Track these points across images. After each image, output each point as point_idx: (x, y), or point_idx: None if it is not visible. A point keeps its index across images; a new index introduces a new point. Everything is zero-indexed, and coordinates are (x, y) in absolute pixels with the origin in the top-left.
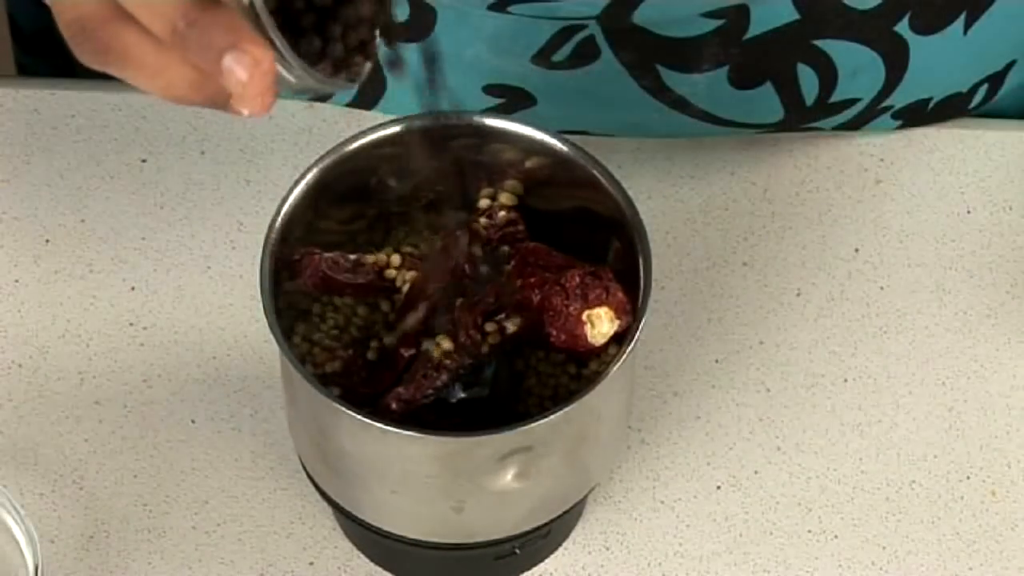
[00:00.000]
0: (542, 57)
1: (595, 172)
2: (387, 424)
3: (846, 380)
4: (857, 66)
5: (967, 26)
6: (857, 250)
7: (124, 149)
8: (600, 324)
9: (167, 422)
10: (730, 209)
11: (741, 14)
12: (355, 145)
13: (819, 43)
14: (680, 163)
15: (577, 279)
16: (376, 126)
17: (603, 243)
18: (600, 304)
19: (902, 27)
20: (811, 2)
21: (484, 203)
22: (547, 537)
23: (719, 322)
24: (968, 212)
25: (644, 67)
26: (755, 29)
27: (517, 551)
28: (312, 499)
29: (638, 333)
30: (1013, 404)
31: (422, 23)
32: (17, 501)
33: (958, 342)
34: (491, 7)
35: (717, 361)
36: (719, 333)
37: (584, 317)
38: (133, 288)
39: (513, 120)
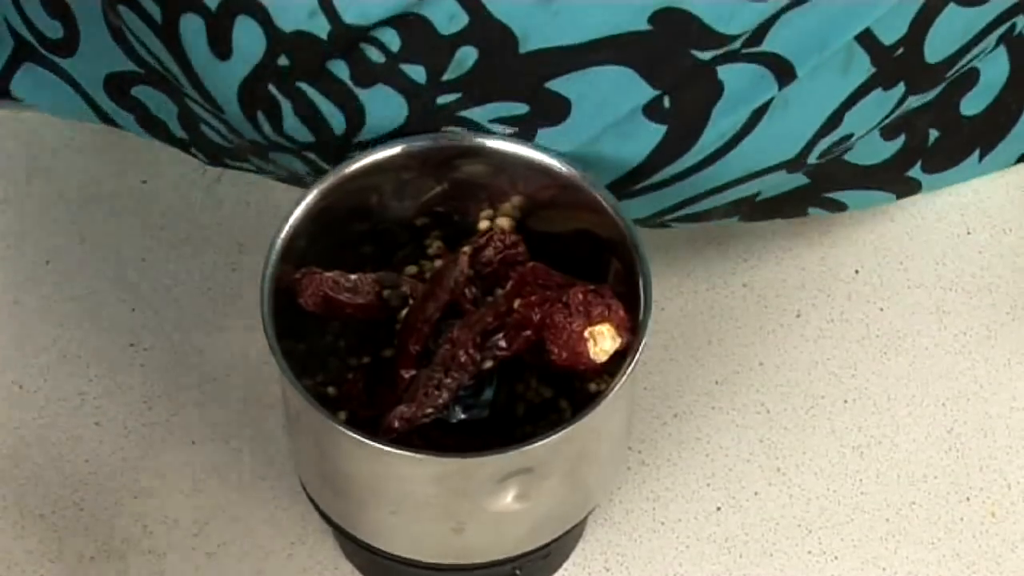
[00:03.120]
0: None
1: (596, 194)
2: (387, 445)
3: (846, 401)
4: (869, 203)
5: (981, 157)
6: (857, 271)
7: (124, 171)
8: (602, 341)
9: (167, 443)
10: (730, 231)
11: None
12: (355, 166)
13: (830, 195)
14: None
15: (580, 296)
16: (376, 148)
17: (603, 264)
18: (603, 321)
19: (915, 171)
20: (820, 169)
21: (484, 224)
22: (547, 558)
23: (719, 343)
24: (968, 233)
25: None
26: (765, 195)
27: (517, 572)
28: (312, 520)
29: (638, 353)
30: (1013, 425)
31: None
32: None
33: (958, 363)
34: None
35: (717, 382)
36: (719, 354)
37: (586, 334)
38: (133, 309)
39: (514, 142)
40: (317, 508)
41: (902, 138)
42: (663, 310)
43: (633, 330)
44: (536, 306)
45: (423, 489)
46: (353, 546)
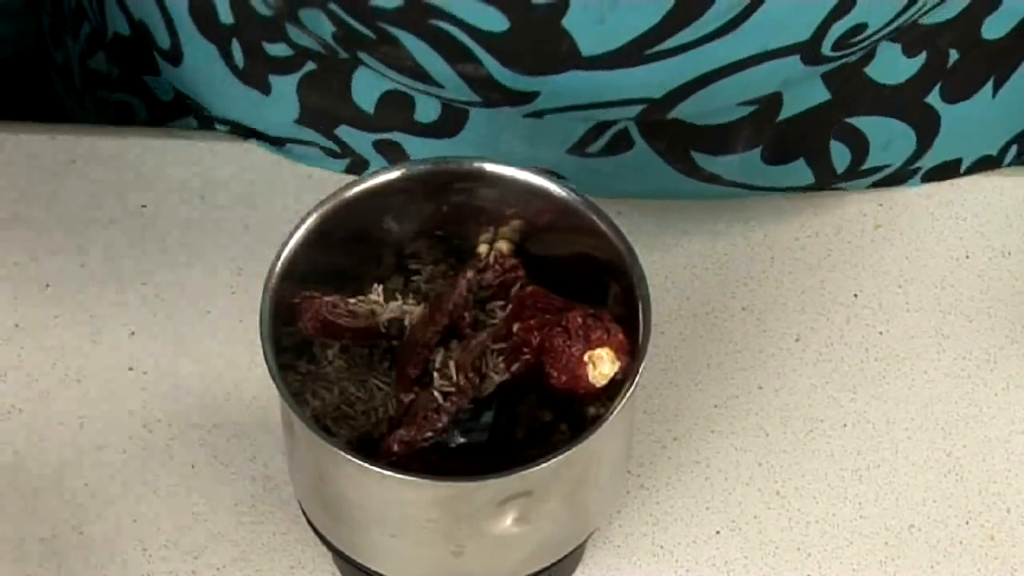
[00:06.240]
0: (576, 150)
1: (594, 217)
2: (387, 469)
3: (845, 425)
4: (889, 138)
5: (996, 89)
6: (856, 295)
7: (124, 194)
8: (601, 365)
9: (167, 467)
10: (729, 254)
11: (774, 99)
12: (355, 191)
13: (851, 120)
14: (679, 208)
15: (579, 320)
16: (376, 171)
17: (602, 288)
18: (602, 345)
19: (932, 97)
20: (842, 81)
21: (483, 248)
22: None
23: (718, 367)
24: (967, 257)
25: (677, 153)
26: (787, 111)
27: None
28: (312, 544)
29: (638, 376)
30: (1012, 449)
31: (451, 123)
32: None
33: (957, 387)
34: (526, 115)
35: (716, 406)
36: (718, 378)
37: (586, 358)
38: (133, 333)
39: (513, 166)
40: (316, 532)
41: (923, 55)
42: (662, 333)
43: (632, 354)
44: (535, 330)
45: (422, 513)
46: (353, 570)
